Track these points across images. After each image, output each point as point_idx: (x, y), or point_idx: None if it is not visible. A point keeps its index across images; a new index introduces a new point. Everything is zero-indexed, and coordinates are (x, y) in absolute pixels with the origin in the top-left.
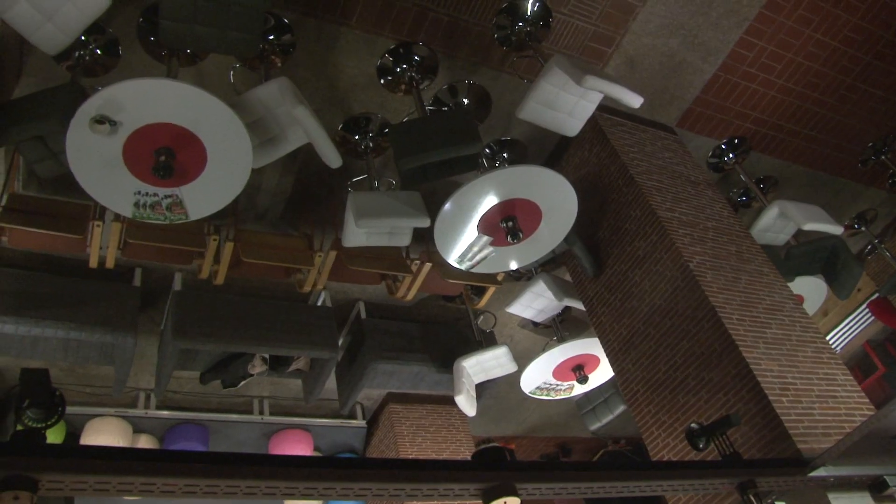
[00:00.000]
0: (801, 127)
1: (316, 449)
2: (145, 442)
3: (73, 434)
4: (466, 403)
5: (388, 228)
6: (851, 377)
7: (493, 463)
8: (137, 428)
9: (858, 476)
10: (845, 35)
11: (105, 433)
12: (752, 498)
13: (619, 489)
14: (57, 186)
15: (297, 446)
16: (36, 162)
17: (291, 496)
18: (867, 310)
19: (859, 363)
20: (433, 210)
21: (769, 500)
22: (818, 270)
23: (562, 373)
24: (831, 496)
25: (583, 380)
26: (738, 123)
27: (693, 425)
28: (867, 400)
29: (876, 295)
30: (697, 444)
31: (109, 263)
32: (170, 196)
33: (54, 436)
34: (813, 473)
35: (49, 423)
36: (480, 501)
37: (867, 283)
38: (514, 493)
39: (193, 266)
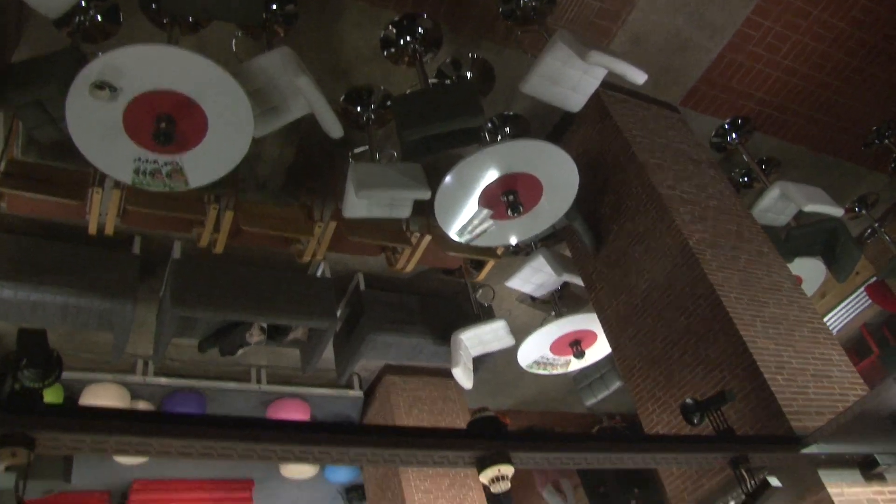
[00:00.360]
0: (806, 108)
1: (312, 418)
2: (143, 408)
3: (71, 399)
4: (463, 376)
5: (389, 200)
6: (847, 358)
7: (487, 431)
8: (135, 394)
9: (850, 454)
10: (852, 16)
11: (103, 399)
12: (744, 473)
13: (613, 461)
14: (56, 153)
15: (294, 415)
16: (35, 127)
17: (287, 460)
18: (865, 293)
19: (855, 346)
20: (434, 183)
21: (761, 476)
22: (818, 252)
23: (559, 348)
24: (822, 473)
25: (580, 355)
26: (742, 103)
27: (688, 400)
28: (861, 380)
29: (874, 279)
30: (692, 419)
31: (109, 230)
32: (170, 163)
33: (52, 400)
34: (805, 450)
35: (46, 382)
36: (475, 469)
37: (865, 266)
38: (508, 462)
39: (193, 235)
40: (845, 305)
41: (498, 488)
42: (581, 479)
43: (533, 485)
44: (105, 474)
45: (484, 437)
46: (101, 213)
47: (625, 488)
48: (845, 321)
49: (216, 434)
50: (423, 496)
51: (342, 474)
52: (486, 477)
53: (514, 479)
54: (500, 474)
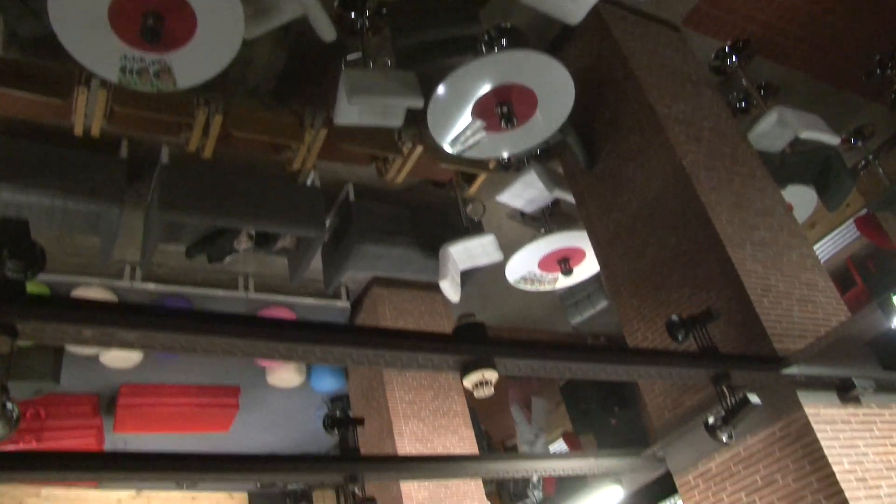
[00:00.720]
0: (809, 34)
1: None
2: None
3: None
4: (451, 289)
5: (381, 107)
6: (832, 285)
7: (473, 336)
8: (122, 300)
9: (828, 377)
10: None
11: None
12: (725, 390)
13: (597, 372)
14: (40, 49)
15: None
16: (17, 21)
17: (271, 357)
18: (854, 225)
19: (840, 278)
20: (428, 92)
21: (741, 394)
22: (811, 180)
23: (547, 264)
24: (800, 394)
25: (567, 272)
26: (744, 26)
27: (674, 317)
28: (845, 307)
29: (864, 211)
30: (677, 336)
31: (95, 132)
32: (157, 62)
33: None
34: (785, 371)
35: (29, 273)
36: (459, 377)
37: (856, 198)
38: (492, 367)
39: (181, 139)
40: (833, 237)
41: (481, 393)
42: (563, 397)
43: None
44: (93, 378)
45: (469, 342)
46: (87, 113)
47: (605, 406)
48: (832, 252)
49: (201, 328)
50: (406, 407)
51: (327, 383)
52: (469, 382)
53: (491, 400)
54: (483, 379)
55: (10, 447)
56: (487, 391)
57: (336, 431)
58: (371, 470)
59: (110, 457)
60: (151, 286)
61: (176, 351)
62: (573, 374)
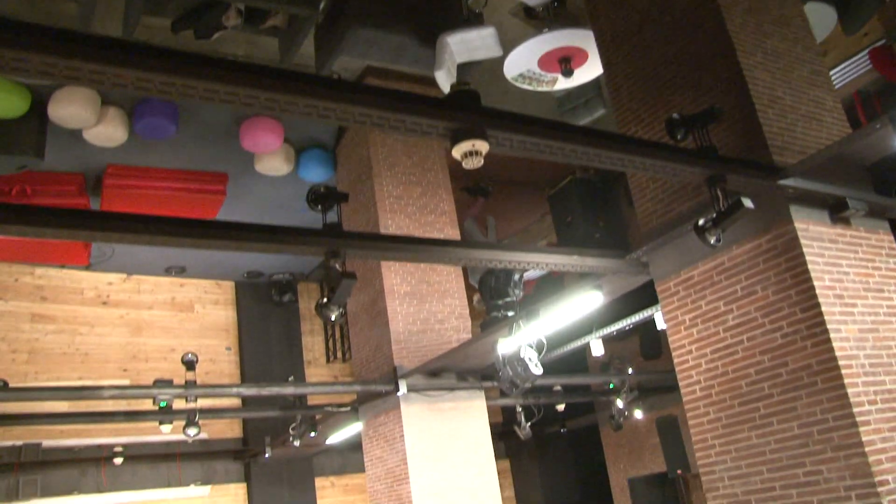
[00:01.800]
0: None
1: (286, 141)
2: (113, 115)
3: (40, 102)
4: (445, 80)
5: None
6: (840, 107)
7: (466, 103)
8: (106, 99)
9: (823, 194)
10: None
11: (72, 102)
12: (719, 193)
13: (591, 157)
14: None
15: (267, 136)
16: None
17: (251, 106)
18: (868, 57)
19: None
20: None
21: (734, 198)
22: None
23: (547, 63)
24: (793, 208)
25: (568, 73)
26: None
27: (674, 115)
28: (850, 130)
29: (882, 42)
30: (676, 135)
31: None
32: None
33: (18, 104)
34: (782, 181)
35: None
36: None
37: (875, 27)
38: (483, 138)
39: None
40: (843, 68)
41: (470, 164)
42: (549, 206)
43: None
44: (79, 155)
45: (462, 109)
46: None
47: (590, 219)
48: (839, 84)
49: (176, 69)
50: (394, 202)
51: (315, 173)
52: (459, 151)
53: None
54: (473, 149)
55: None
56: (477, 162)
57: (319, 208)
58: (354, 247)
59: (100, 215)
60: None
61: (151, 93)
62: (566, 157)
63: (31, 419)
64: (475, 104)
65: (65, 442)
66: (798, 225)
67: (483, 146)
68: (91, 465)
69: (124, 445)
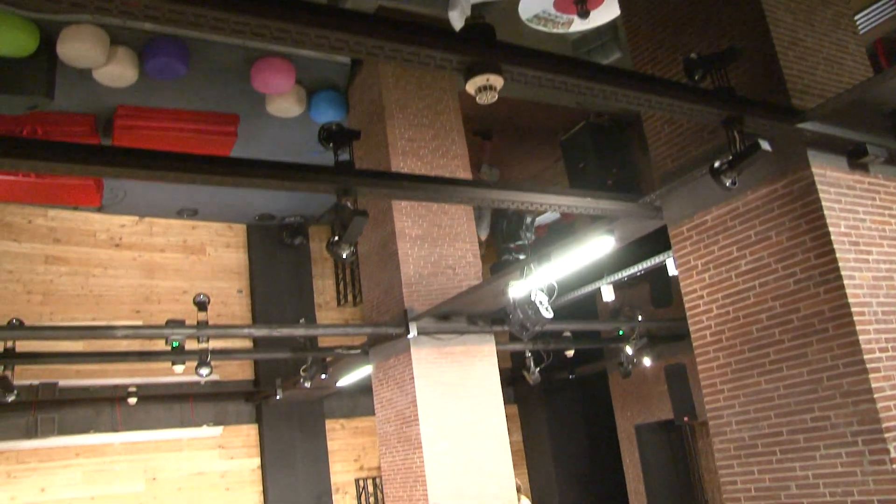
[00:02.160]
0: None
1: (298, 82)
2: (122, 54)
3: (48, 41)
4: (458, 20)
5: None
6: (863, 50)
7: (480, 37)
8: (115, 39)
9: (842, 139)
10: None
11: (81, 41)
12: (736, 135)
13: (607, 94)
14: None
15: (279, 76)
16: None
17: (261, 36)
18: (892, 2)
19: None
20: None
21: (752, 140)
22: None
23: (563, 3)
24: (810, 153)
25: (584, 14)
26: None
27: (693, 55)
28: (872, 74)
29: None
30: (693, 75)
31: None
32: None
33: (28, 44)
34: (800, 125)
35: None
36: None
37: None
38: (497, 72)
39: None
40: (870, 11)
41: (484, 99)
42: (562, 151)
43: None
44: (89, 96)
45: (476, 42)
46: None
47: (604, 165)
48: (863, 30)
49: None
50: (406, 144)
51: (327, 115)
52: (473, 85)
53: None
54: (488, 83)
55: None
56: (490, 97)
57: (331, 146)
58: (365, 185)
59: (111, 150)
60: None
61: (160, 22)
62: (581, 94)
63: (48, 358)
64: (490, 38)
65: (80, 382)
66: (815, 170)
67: (497, 81)
68: (106, 404)
69: (138, 386)
